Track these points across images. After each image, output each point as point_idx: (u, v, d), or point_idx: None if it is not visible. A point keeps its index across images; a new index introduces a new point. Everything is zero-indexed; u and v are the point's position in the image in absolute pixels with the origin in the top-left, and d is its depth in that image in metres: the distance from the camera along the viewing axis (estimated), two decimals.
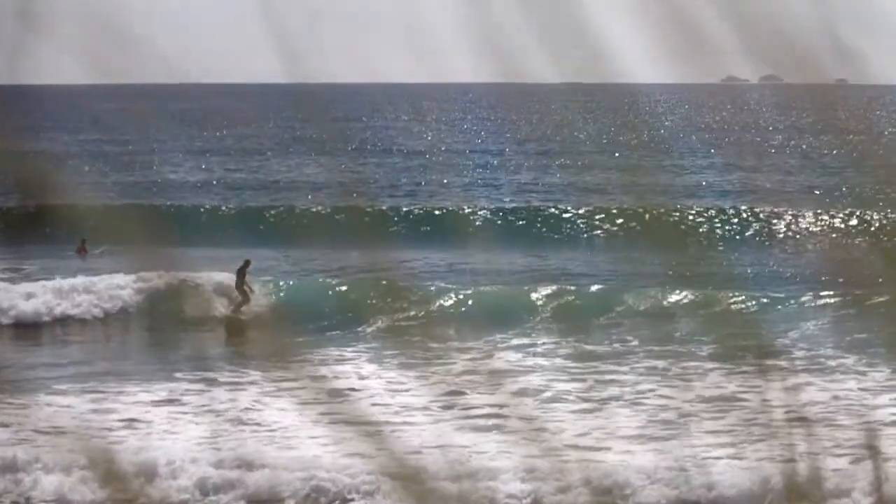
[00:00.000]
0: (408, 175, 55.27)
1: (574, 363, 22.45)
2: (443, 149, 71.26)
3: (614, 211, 40.63)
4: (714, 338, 23.19)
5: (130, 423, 18.62)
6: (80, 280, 29.25)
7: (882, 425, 18.10)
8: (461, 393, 19.12)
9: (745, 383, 19.35)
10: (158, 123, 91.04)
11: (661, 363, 22.15)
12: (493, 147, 72.35)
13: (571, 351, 23.61)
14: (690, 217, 40.05)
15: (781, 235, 38.82)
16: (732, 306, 25.13)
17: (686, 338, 23.80)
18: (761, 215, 40.20)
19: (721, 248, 37.23)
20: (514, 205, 44.80)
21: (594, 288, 28.72)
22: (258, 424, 18.30)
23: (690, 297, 26.42)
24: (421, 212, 41.98)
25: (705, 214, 40.86)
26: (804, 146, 65.43)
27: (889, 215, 37.03)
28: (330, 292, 28.43)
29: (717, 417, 18.31)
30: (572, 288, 28.76)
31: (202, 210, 42.81)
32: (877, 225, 37.90)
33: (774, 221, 39.63)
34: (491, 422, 17.70)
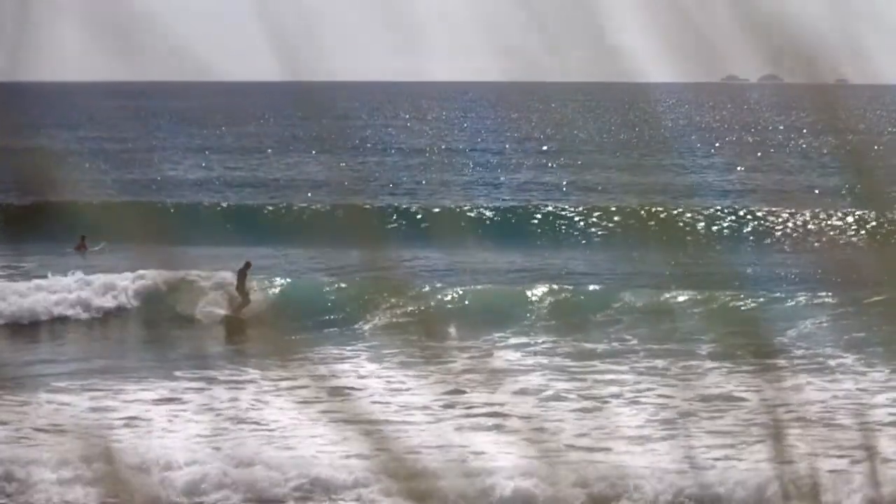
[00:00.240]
0: (407, 173, 55.27)
1: (573, 362, 22.45)
2: (443, 147, 71.24)
3: (613, 209, 40.62)
4: (713, 337, 23.17)
5: (130, 421, 18.62)
6: (79, 278, 29.24)
7: (880, 425, 18.10)
8: (460, 392, 19.11)
9: (744, 383, 19.36)
10: (158, 121, 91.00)
11: (659, 362, 22.15)
12: (492, 146, 72.34)
13: (570, 350, 23.60)
14: (690, 216, 40.05)
15: (780, 235, 38.81)
16: (731, 305, 25.16)
17: (685, 337, 23.80)
18: (759, 214, 40.21)
19: (720, 247, 37.24)
20: (513, 203, 44.80)
21: (593, 287, 28.71)
22: (257, 423, 18.31)
23: (689, 296, 26.42)
24: (420, 210, 41.96)
25: (704, 213, 40.85)
26: (804, 145, 65.43)
27: (888, 215, 36.97)
28: (329, 291, 28.42)
29: (716, 417, 18.31)
30: (571, 287, 28.76)
31: (201, 208, 42.81)
32: (875, 224, 37.91)
33: (774, 221, 39.63)
34: (490, 421, 17.70)
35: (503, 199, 46.56)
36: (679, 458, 16.46)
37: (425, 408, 18.85)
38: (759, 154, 62.17)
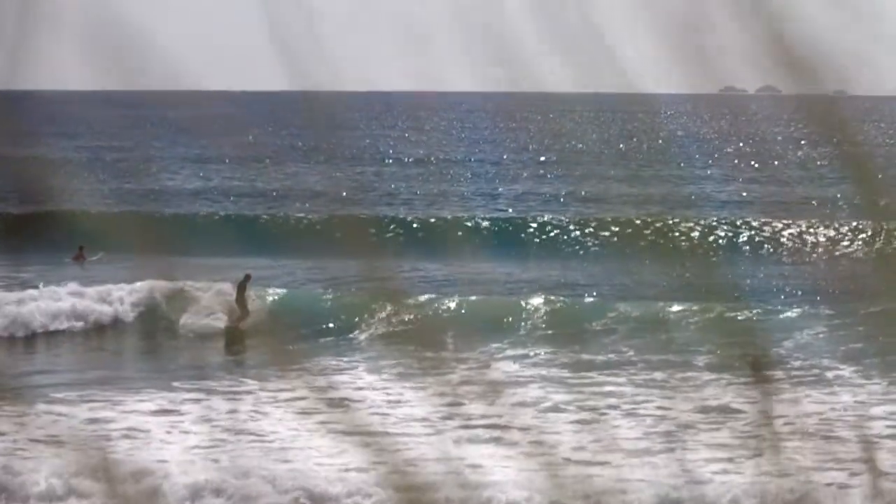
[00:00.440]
0: (405, 184, 55.27)
1: (570, 373, 22.44)
2: (441, 157, 71.26)
3: (610, 219, 40.63)
4: (710, 348, 23.17)
5: (127, 432, 18.59)
6: (75, 289, 29.18)
7: (878, 438, 18.08)
8: (458, 403, 19.10)
9: (741, 395, 19.34)
10: (156, 130, 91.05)
11: (657, 374, 22.13)
12: (490, 156, 72.36)
13: (568, 361, 23.59)
14: (687, 227, 40.04)
15: (778, 246, 38.81)
16: (728, 317, 25.13)
17: (682, 348, 23.79)
18: (757, 225, 40.21)
19: (717, 258, 37.24)
20: (510, 214, 44.80)
21: (590, 298, 28.71)
22: (255, 435, 18.28)
23: (686, 307, 26.42)
24: (417, 221, 41.96)
25: (702, 224, 40.84)
26: (801, 156, 65.47)
27: (885, 226, 37.05)
28: (326, 302, 28.40)
29: (714, 429, 18.29)
30: (568, 298, 28.75)
31: (199, 218, 42.79)
32: (872, 235, 37.91)
33: (771, 232, 39.63)
34: (488, 433, 17.67)
35: (501, 210, 46.56)
36: (677, 472, 16.45)
37: (423, 419, 18.82)
38: (756, 165, 62.21)
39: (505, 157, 71.82)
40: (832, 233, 39.26)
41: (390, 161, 68.58)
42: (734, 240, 39.76)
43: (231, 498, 15.60)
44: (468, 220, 42.56)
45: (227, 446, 17.63)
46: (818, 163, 57.61)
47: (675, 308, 26.69)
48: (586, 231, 40.71)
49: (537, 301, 28.10)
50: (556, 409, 19.67)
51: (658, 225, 38.54)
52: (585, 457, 16.72)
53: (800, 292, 29.31)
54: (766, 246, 38.98)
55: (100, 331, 28.07)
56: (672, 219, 40.46)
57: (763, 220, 40.54)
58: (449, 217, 43.48)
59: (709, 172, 59.45)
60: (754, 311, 26.81)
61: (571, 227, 41.21)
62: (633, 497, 15.03)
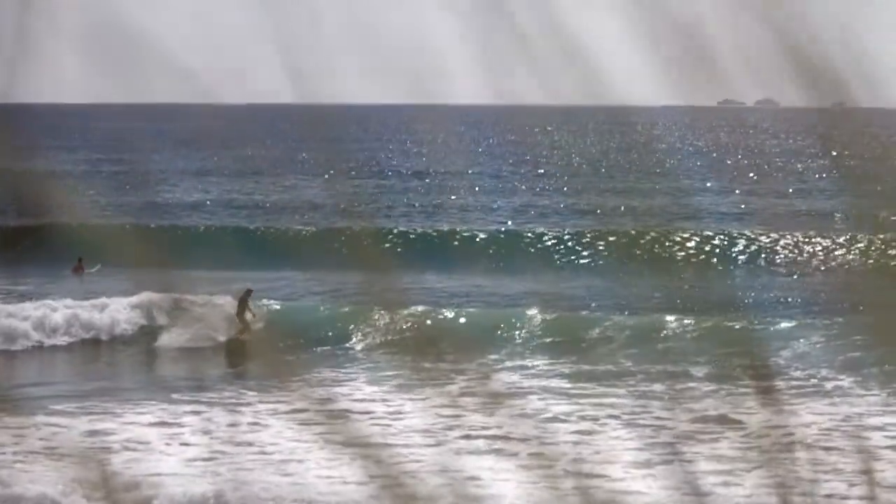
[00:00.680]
0: (403, 196, 55.30)
1: (569, 385, 22.43)
2: (440, 170, 71.29)
3: (607, 231, 40.65)
4: (708, 359, 23.17)
5: (126, 444, 18.57)
6: (75, 301, 29.15)
7: (878, 448, 18.07)
8: (458, 416, 19.08)
9: (740, 405, 19.32)
10: (156, 143, 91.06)
11: (655, 386, 22.13)
12: (488, 169, 72.41)
13: (567, 373, 23.59)
14: (684, 240, 40.05)
15: (775, 258, 38.81)
16: (726, 329, 25.12)
17: (680, 359, 23.79)
18: (754, 237, 40.20)
19: (715, 270, 37.22)
20: (508, 227, 44.81)
21: (588, 310, 28.71)
22: (255, 447, 18.25)
23: (684, 319, 26.41)
24: (416, 233, 41.97)
25: (699, 237, 40.85)
26: (800, 168, 65.52)
27: (882, 237, 37.06)
28: (325, 314, 28.40)
29: (714, 441, 18.27)
30: (566, 311, 28.75)
31: (198, 231, 42.80)
32: (869, 247, 37.92)
33: (769, 244, 39.62)
34: (487, 445, 17.66)
35: (498, 223, 46.58)
36: (677, 484, 16.40)
37: (422, 431, 18.82)
38: (754, 177, 62.27)
39: (503, 169, 71.86)
40: (829, 244, 39.26)
41: (389, 173, 68.62)
42: (733, 252, 39.76)
43: None
44: (467, 233, 42.57)
45: (226, 458, 17.62)
46: (815, 175, 57.69)
47: (674, 320, 26.69)
48: (584, 243, 40.71)
49: (536, 313, 28.10)
50: (555, 420, 19.66)
51: (656, 237, 38.57)
52: (585, 468, 16.71)
53: (798, 303, 29.31)
54: (764, 258, 38.97)
55: (98, 343, 28.05)
56: (670, 231, 40.47)
57: (761, 232, 40.54)
58: (446, 229, 43.50)
59: (707, 185, 59.48)
60: (753, 323, 26.80)
61: (569, 240, 41.22)
62: None
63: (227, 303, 28.24)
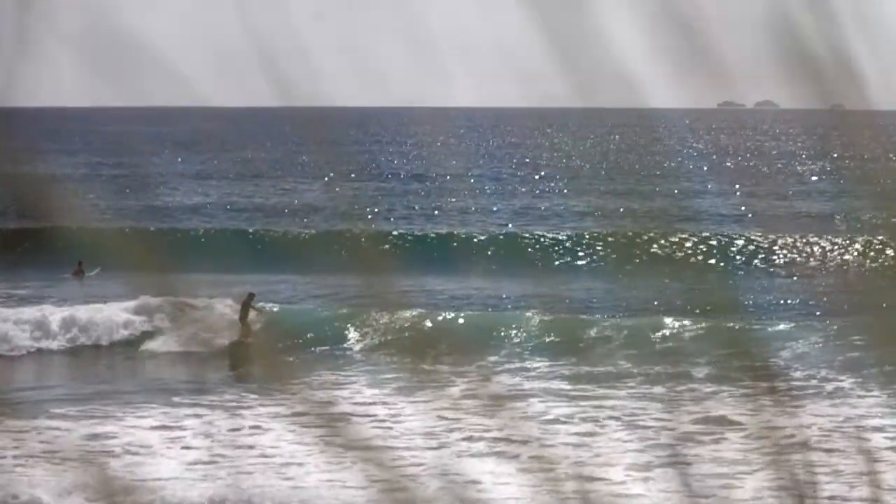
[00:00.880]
0: (403, 199, 55.30)
1: (569, 387, 22.42)
2: (440, 173, 71.30)
3: (606, 233, 40.64)
4: (708, 360, 23.16)
5: (126, 448, 18.56)
6: (76, 306, 29.14)
7: (878, 450, 18.07)
8: (457, 418, 19.08)
9: (739, 408, 19.32)
10: (155, 146, 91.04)
11: (655, 388, 22.13)
12: (488, 171, 72.43)
13: (567, 375, 23.58)
14: (684, 242, 40.05)
15: (775, 260, 38.82)
16: (726, 331, 25.11)
17: (680, 361, 23.77)
18: (754, 239, 40.21)
19: (715, 272, 37.23)
20: (508, 230, 44.82)
21: (588, 312, 28.70)
22: (255, 452, 18.24)
23: (683, 321, 26.41)
24: (416, 236, 41.98)
25: (700, 239, 40.85)
26: (800, 170, 65.54)
27: (881, 239, 37.07)
28: (326, 317, 28.39)
29: (714, 443, 18.27)
30: (566, 313, 28.74)
31: (198, 233, 42.81)
32: (867, 249, 37.93)
33: (769, 247, 39.63)
34: (487, 448, 17.66)
35: (499, 225, 46.59)
36: (677, 487, 16.39)
37: (423, 433, 18.81)
38: (754, 179, 62.29)
39: (503, 171, 71.87)
40: (830, 246, 39.25)
41: (389, 176, 68.63)
42: (733, 254, 39.75)
43: None
44: (466, 236, 42.57)
45: (227, 462, 17.61)
46: (813, 177, 57.72)
47: (674, 321, 26.70)
48: (584, 245, 40.71)
49: (536, 315, 28.10)
50: (556, 422, 19.66)
51: (657, 240, 38.56)
52: (586, 471, 16.70)
53: (797, 305, 29.30)
54: (763, 259, 38.97)
55: (98, 347, 28.03)
56: (670, 234, 40.45)
57: (760, 234, 40.53)
58: (446, 231, 43.50)
59: (708, 186, 59.49)
60: (752, 324, 26.81)
61: (569, 242, 41.22)
62: None
63: (229, 306, 28.23)
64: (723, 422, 19.09)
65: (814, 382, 22.71)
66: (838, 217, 43.00)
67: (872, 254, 37.19)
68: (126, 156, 75.31)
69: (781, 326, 26.92)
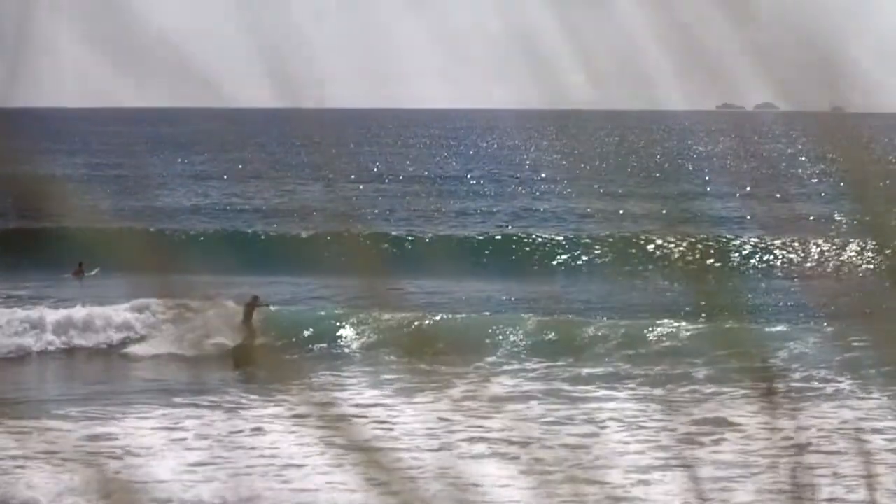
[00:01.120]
0: (402, 201, 55.30)
1: (569, 390, 22.43)
2: (438, 174, 71.32)
3: (605, 233, 40.66)
4: (707, 363, 23.17)
5: (127, 449, 18.56)
6: (77, 307, 29.12)
7: (878, 452, 18.08)
8: (456, 420, 19.09)
9: (739, 410, 19.33)
10: (155, 147, 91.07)
11: (653, 390, 22.15)
12: (487, 173, 72.45)
13: (566, 376, 23.59)
14: (683, 244, 40.01)
15: (775, 262, 38.84)
16: (725, 333, 25.11)
17: (680, 363, 23.79)
18: (754, 242, 40.23)
19: (714, 275, 37.19)
20: (506, 232, 44.82)
21: (585, 314, 28.72)
22: (256, 454, 18.24)
23: (682, 323, 26.42)
24: (414, 238, 41.98)
25: (699, 241, 40.84)
26: (801, 173, 65.51)
27: (882, 243, 36.99)
28: (325, 319, 28.40)
29: (714, 445, 18.27)
30: (565, 315, 28.76)
31: (198, 234, 42.81)
32: (867, 251, 37.89)
33: (768, 248, 39.65)
34: (487, 449, 17.66)
35: (497, 226, 46.59)
36: (677, 489, 16.42)
37: (424, 435, 18.82)
38: (754, 182, 62.20)
39: (502, 173, 71.88)
40: (829, 248, 39.23)
41: (388, 178, 68.65)
42: (732, 255, 39.76)
43: None
44: (465, 238, 42.58)
45: (227, 464, 17.61)
46: (814, 180, 57.75)
47: (673, 323, 26.70)
48: (583, 247, 40.71)
49: (535, 317, 28.12)
50: (555, 423, 19.66)
51: (655, 242, 38.56)
52: (586, 473, 16.68)
53: (798, 307, 29.31)
54: (764, 262, 38.99)
55: (98, 349, 28.03)
56: (669, 236, 40.46)
57: (761, 236, 40.55)
58: (446, 234, 43.50)
59: (708, 189, 59.50)
60: (753, 326, 26.83)
61: (568, 244, 41.23)
62: None
63: (231, 308, 28.12)
64: (722, 423, 19.09)
65: (814, 384, 22.72)
66: (838, 219, 42.99)
67: (870, 256, 37.12)
68: (126, 156, 75.27)
69: (781, 328, 26.94)
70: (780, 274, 37.51)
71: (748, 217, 46.27)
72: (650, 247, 37.87)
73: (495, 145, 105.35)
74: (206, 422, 20.16)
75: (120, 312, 28.70)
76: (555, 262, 39.82)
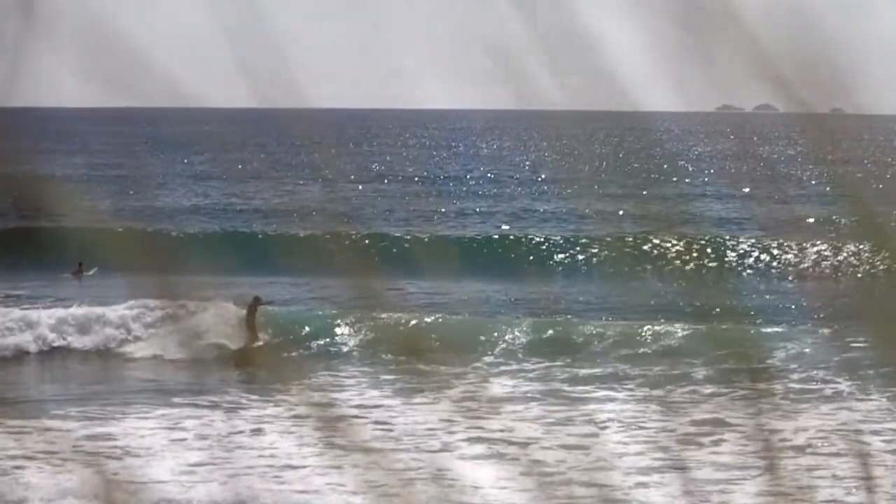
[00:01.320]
0: (401, 201, 55.28)
1: (568, 390, 22.44)
2: (437, 175, 71.32)
3: (600, 235, 40.66)
4: (706, 364, 23.17)
5: (126, 450, 18.56)
6: (76, 307, 29.08)
7: (877, 453, 18.08)
8: (455, 420, 19.09)
9: (738, 411, 19.32)
10: (153, 147, 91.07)
11: (650, 392, 22.15)
12: (486, 174, 72.44)
13: (565, 378, 23.60)
14: (682, 246, 40.03)
15: (774, 264, 38.83)
16: (725, 334, 25.11)
17: (677, 364, 23.78)
18: (753, 243, 40.21)
19: (712, 276, 37.23)
20: (505, 232, 44.82)
21: (584, 315, 28.71)
22: (257, 456, 18.24)
23: (681, 324, 26.41)
24: (413, 239, 41.95)
25: (697, 243, 40.83)
26: (800, 175, 65.53)
27: (880, 245, 36.96)
28: (324, 319, 28.38)
29: (712, 446, 18.27)
30: (563, 316, 28.76)
31: (196, 235, 42.79)
32: (866, 252, 37.95)
33: (768, 250, 39.63)
34: (483, 450, 17.66)
35: (496, 227, 46.59)
36: (676, 492, 16.42)
37: (423, 435, 18.82)
38: (753, 183, 62.18)
39: (500, 174, 71.87)
40: (829, 250, 39.25)
41: (387, 179, 68.63)
42: (732, 257, 39.75)
43: None
44: (464, 238, 42.57)
45: (227, 465, 17.61)
46: (813, 182, 57.74)
47: (671, 325, 26.69)
48: (582, 248, 40.70)
49: (534, 318, 28.12)
50: (554, 424, 19.66)
51: (654, 244, 38.56)
52: (585, 474, 16.68)
53: (797, 308, 29.29)
54: (763, 263, 38.97)
55: (98, 349, 28.00)
56: (667, 238, 40.46)
57: (760, 238, 40.53)
58: (445, 235, 43.50)
59: (707, 190, 59.50)
60: (751, 327, 26.82)
61: (567, 245, 41.21)
62: None
63: (231, 310, 28.04)
64: (720, 424, 19.09)
65: (812, 386, 22.71)
66: (837, 221, 43.02)
67: (869, 257, 37.20)
68: (125, 156, 75.32)
69: (780, 330, 26.92)
70: (778, 275, 37.51)
71: (747, 218, 46.28)
72: (649, 248, 37.86)
73: (495, 146, 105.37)
74: (205, 422, 20.16)
75: (119, 312, 28.67)
76: (554, 263, 39.81)
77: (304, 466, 16.91)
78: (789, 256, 39.08)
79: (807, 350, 25.50)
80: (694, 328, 26.05)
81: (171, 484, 16.30)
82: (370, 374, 23.87)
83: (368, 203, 53.70)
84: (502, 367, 24.86)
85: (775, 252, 39.36)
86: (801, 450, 17.57)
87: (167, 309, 28.02)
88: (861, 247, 38.34)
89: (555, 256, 40.52)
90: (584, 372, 24.04)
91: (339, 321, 27.89)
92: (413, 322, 26.78)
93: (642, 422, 19.87)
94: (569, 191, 57.07)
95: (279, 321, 28.74)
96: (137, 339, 28.21)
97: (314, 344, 27.13)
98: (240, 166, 74.82)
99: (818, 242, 39.79)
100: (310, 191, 56.09)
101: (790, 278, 36.67)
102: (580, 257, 40.20)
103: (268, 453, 18.05)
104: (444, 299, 31.26)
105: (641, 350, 25.88)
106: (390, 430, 19.38)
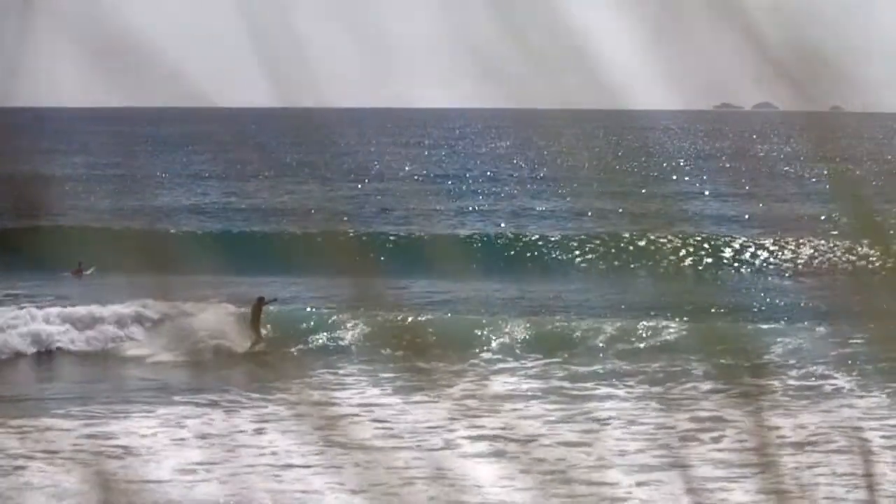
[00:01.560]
0: (399, 200, 55.24)
1: (568, 388, 22.44)
2: (436, 174, 71.30)
3: (601, 232, 40.64)
4: (703, 363, 23.17)
5: (126, 449, 18.56)
6: (75, 306, 29.06)
7: (876, 450, 18.09)
8: (455, 418, 19.10)
9: (737, 409, 19.33)
10: (153, 147, 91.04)
11: (650, 389, 22.16)
12: (485, 173, 72.44)
13: (563, 376, 23.60)
14: (680, 244, 40.03)
15: (773, 262, 38.82)
16: (724, 332, 25.11)
17: (676, 362, 23.78)
18: (752, 241, 40.21)
19: (710, 274, 37.23)
20: (502, 231, 44.81)
21: (582, 314, 28.72)
22: (258, 456, 18.24)
23: (679, 323, 26.41)
24: (411, 237, 41.95)
25: (695, 241, 40.84)
26: (798, 172, 65.54)
27: (878, 243, 36.96)
28: (324, 319, 28.36)
29: (711, 443, 18.28)
30: (562, 314, 28.77)
31: (196, 235, 42.76)
32: (864, 251, 37.88)
33: (765, 248, 39.63)
34: (484, 449, 17.67)
35: (495, 226, 46.58)
36: (676, 490, 16.44)
37: (423, 435, 18.82)
38: (751, 181, 62.27)
39: (498, 173, 71.86)
40: (827, 248, 39.25)
41: (386, 178, 68.61)
42: (731, 256, 39.75)
43: None
44: (462, 237, 42.56)
45: (227, 465, 17.61)
46: (812, 180, 57.74)
47: (669, 322, 26.69)
48: (580, 247, 40.70)
49: (533, 317, 28.13)
50: (554, 423, 19.66)
51: (651, 242, 38.57)
52: (585, 473, 16.70)
53: (797, 307, 29.30)
54: (760, 262, 38.97)
55: (98, 350, 27.98)
56: (665, 236, 40.45)
57: (758, 236, 40.53)
58: (443, 233, 43.49)
59: (706, 189, 59.49)
60: (751, 325, 26.83)
61: (565, 243, 41.21)
62: None
63: (231, 311, 27.98)
64: (719, 421, 19.10)
65: (811, 383, 22.72)
66: (836, 218, 42.97)
67: (867, 256, 37.11)
68: (125, 156, 75.32)
69: (779, 327, 26.94)
70: (775, 272, 37.50)
71: (746, 216, 46.27)
72: (647, 245, 37.86)
73: (494, 145, 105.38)
74: (205, 421, 20.16)
75: (119, 312, 28.65)
76: (552, 261, 39.81)
77: (305, 466, 16.91)
78: (787, 253, 39.09)
79: (805, 346, 25.52)
80: (692, 325, 26.05)
81: (172, 483, 16.30)
82: (370, 373, 23.87)
83: (364, 202, 53.70)
84: (502, 365, 24.87)
85: (773, 249, 39.36)
86: (800, 446, 17.58)
87: (167, 309, 28.08)
88: (859, 244, 38.27)
89: (553, 254, 40.53)
90: (583, 369, 24.04)
91: (338, 320, 27.88)
92: (412, 319, 26.80)
93: (642, 419, 19.88)
94: (567, 189, 57.11)
95: (279, 320, 28.74)
96: (138, 338, 28.18)
97: (314, 342, 27.12)
98: (239, 166, 74.75)
99: (816, 239, 39.80)
100: (309, 190, 56.08)
101: (788, 275, 36.69)
102: (579, 255, 40.21)
103: (268, 452, 18.05)
104: (444, 297, 31.27)
105: (640, 347, 25.90)
106: (391, 429, 19.38)
